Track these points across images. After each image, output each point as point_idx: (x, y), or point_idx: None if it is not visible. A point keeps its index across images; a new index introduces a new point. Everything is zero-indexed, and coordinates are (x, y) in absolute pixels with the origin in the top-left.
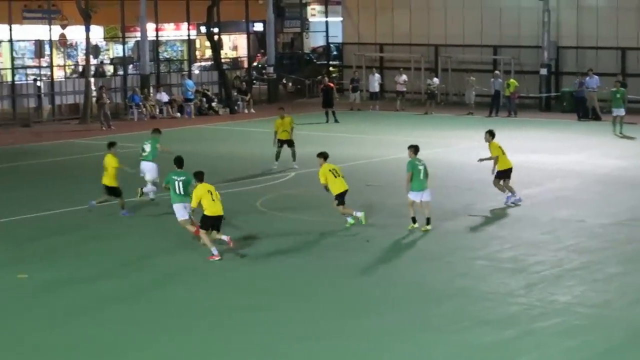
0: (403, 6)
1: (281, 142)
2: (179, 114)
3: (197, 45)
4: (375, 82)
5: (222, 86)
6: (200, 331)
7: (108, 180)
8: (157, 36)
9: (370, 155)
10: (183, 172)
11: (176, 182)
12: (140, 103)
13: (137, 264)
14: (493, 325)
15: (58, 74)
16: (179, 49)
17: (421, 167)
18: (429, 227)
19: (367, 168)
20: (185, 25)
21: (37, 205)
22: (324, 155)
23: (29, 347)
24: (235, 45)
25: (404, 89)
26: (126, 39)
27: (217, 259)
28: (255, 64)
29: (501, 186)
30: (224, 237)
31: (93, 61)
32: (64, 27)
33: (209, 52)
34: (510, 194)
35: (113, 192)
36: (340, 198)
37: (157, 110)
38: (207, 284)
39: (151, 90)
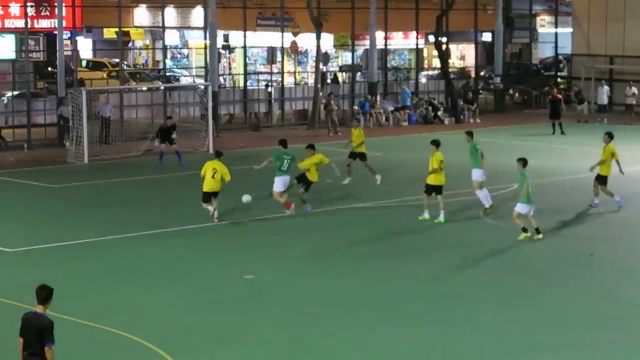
0: (636, 16)
1: (355, 155)
2: (406, 122)
3: (425, 54)
4: (603, 94)
5: (448, 95)
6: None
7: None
8: (385, 44)
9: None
10: (290, 152)
11: (285, 160)
12: (369, 111)
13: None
14: None
15: (288, 80)
16: (407, 57)
17: (529, 181)
18: (540, 235)
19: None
20: (414, 34)
21: (263, 207)
22: (436, 143)
23: (257, 344)
24: (462, 54)
25: (633, 102)
26: (355, 47)
27: (217, 220)
28: (482, 73)
29: (597, 190)
30: (211, 208)
31: (322, 68)
32: (295, 34)
33: (436, 61)
34: (596, 198)
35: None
36: (429, 189)
37: (384, 118)
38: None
39: (378, 98)
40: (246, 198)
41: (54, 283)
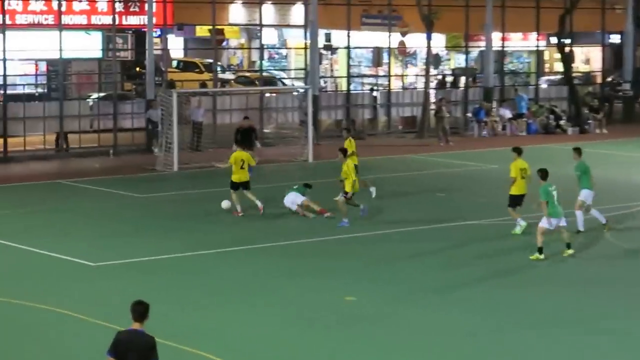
0: None
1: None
2: (523, 132)
3: (546, 57)
4: None
5: (571, 103)
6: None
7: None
8: (502, 46)
9: None
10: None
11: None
12: (484, 118)
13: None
14: None
15: (395, 84)
16: (526, 60)
17: (554, 192)
18: (570, 251)
19: None
20: (533, 35)
21: (368, 224)
22: (518, 151)
23: None
24: (587, 58)
25: None
26: (469, 49)
27: (239, 214)
28: (609, 79)
29: None
30: (258, 203)
31: (433, 71)
32: (404, 34)
33: (558, 65)
34: None
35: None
36: (514, 200)
37: (500, 126)
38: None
39: (494, 105)
40: (225, 204)
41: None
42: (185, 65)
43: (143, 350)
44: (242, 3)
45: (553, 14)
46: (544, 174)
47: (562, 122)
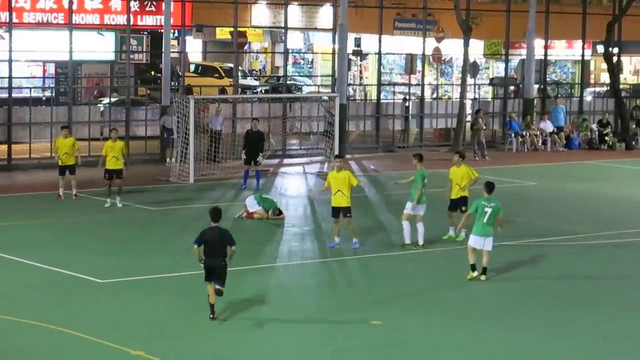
0: None
1: None
2: (562, 148)
3: (592, 67)
4: None
5: (618, 116)
6: None
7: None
8: (545, 55)
9: None
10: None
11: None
12: (522, 132)
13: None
14: None
15: (429, 93)
16: (570, 70)
17: (488, 210)
18: (482, 277)
19: None
20: (579, 43)
21: (387, 243)
22: (462, 155)
23: None
24: (637, 69)
25: None
26: (509, 57)
27: (62, 198)
28: None
29: None
30: (61, 191)
31: (470, 80)
32: (439, 40)
33: (605, 76)
34: None
35: None
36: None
37: (540, 141)
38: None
39: (534, 118)
40: None
41: (150, 320)
42: (204, 70)
43: (221, 237)
44: (266, 4)
45: (600, 21)
46: (489, 187)
47: (607, 138)
